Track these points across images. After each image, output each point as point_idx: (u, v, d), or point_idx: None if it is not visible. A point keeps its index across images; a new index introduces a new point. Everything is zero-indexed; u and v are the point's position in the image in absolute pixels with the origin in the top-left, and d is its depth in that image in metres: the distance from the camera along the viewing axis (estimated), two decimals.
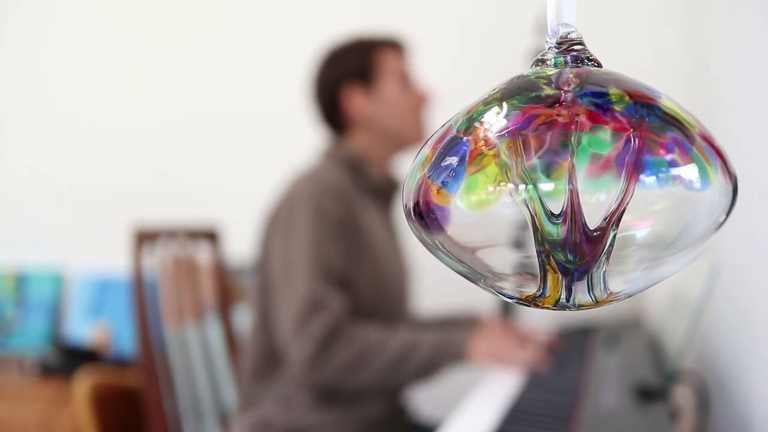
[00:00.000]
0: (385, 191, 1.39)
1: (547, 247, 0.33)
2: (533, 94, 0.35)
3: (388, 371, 1.17)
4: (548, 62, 0.38)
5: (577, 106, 0.33)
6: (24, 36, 2.66)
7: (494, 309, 1.68)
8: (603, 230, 0.33)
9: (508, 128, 0.34)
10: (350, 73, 1.34)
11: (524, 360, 1.14)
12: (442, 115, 0.47)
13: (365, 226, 1.30)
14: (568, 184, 0.32)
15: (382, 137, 1.36)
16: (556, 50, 0.38)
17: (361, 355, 1.17)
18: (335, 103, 1.36)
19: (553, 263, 0.34)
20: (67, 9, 2.61)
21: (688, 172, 0.33)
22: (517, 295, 0.37)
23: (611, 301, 0.36)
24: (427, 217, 0.36)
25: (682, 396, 1.07)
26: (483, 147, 0.34)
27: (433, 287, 1.69)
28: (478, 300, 1.61)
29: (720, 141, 0.35)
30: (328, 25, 1.77)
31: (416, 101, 1.38)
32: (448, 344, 1.17)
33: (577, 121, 0.33)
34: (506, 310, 1.63)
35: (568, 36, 0.38)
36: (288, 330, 1.19)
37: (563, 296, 0.35)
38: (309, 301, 1.18)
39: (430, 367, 1.17)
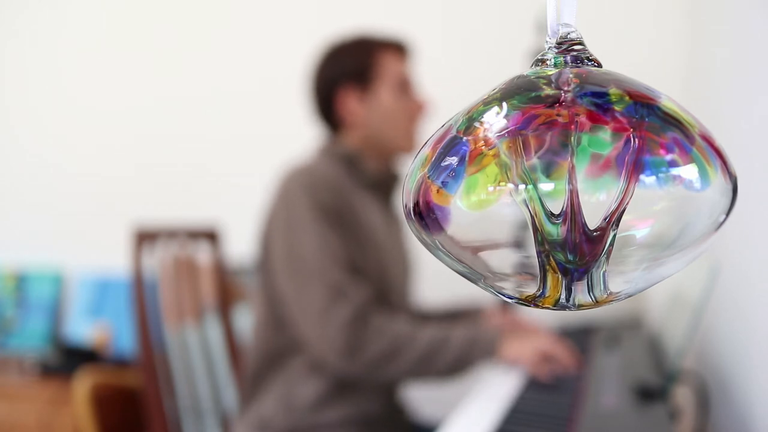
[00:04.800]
0: (383, 184, 1.39)
1: (547, 247, 0.33)
2: (533, 94, 0.35)
3: (419, 365, 1.16)
4: (548, 62, 0.38)
5: (577, 106, 0.33)
6: (21, 39, 2.66)
7: (494, 303, 1.68)
8: (603, 230, 0.33)
9: (508, 128, 0.34)
10: (348, 73, 1.34)
11: (555, 368, 1.12)
12: (441, 115, 0.47)
13: (363, 216, 1.30)
14: (568, 184, 0.32)
15: (374, 141, 1.36)
16: (556, 50, 0.38)
17: (393, 348, 1.16)
18: (330, 102, 1.36)
19: (553, 263, 0.34)
20: (66, 10, 2.61)
21: (688, 172, 0.33)
22: (517, 295, 0.37)
23: (611, 301, 0.36)
24: (427, 217, 0.36)
25: (682, 396, 1.07)
26: (483, 147, 0.34)
27: (435, 280, 1.69)
28: (479, 293, 1.62)
29: (720, 141, 0.35)
30: (328, 23, 1.77)
31: (412, 109, 1.36)
32: (479, 340, 1.17)
33: (577, 121, 0.33)
34: (506, 308, 1.63)
35: (568, 36, 0.38)
36: (312, 323, 1.19)
37: (563, 296, 0.35)
38: (329, 291, 1.18)
39: (460, 362, 1.17)
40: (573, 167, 0.32)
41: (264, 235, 1.30)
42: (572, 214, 0.32)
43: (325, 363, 1.21)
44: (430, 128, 1.39)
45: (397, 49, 1.36)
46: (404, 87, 1.35)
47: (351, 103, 1.34)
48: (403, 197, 0.38)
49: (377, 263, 1.30)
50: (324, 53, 1.38)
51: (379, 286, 1.29)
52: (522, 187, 0.33)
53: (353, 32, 1.38)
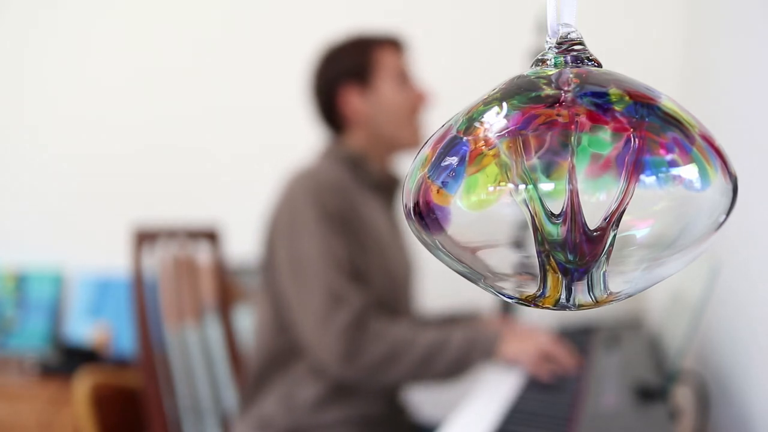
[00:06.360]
0: (386, 186, 1.39)
1: (547, 247, 0.33)
2: (533, 94, 0.35)
3: (419, 368, 1.17)
4: (548, 62, 0.37)
5: (577, 106, 0.33)
6: (24, 36, 2.66)
7: (495, 306, 1.68)
8: (603, 230, 0.33)
9: (508, 128, 0.34)
10: (347, 72, 1.34)
11: (555, 367, 1.12)
12: (441, 115, 0.47)
13: (368, 219, 1.30)
14: (568, 184, 0.32)
15: (378, 138, 1.36)
16: (556, 50, 0.38)
17: (393, 352, 1.17)
18: (332, 102, 1.36)
19: (553, 263, 0.34)
20: (67, 8, 2.61)
21: (688, 172, 0.33)
22: (517, 295, 0.37)
23: (611, 301, 0.36)
24: (427, 217, 0.36)
25: (682, 396, 1.07)
26: (483, 147, 0.34)
27: (436, 283, 1.69)
28: (481, 296, 1.62)
29: (720, 141, 0.35)
30: (327, 23, 1.77)
31: (413, 101, 1.37)
32: (478, 341, 1.17)
33: (577, 121, 0.33)
34: (506, 308, 1.63)
35: (568, 36, 0.38)
36: (311, 328, 1.19)
37: (563, 296, 0.35)
38: (328, 296, 1.18)
39: (460, 363, 1.17)
40: (573, 167, 0.32)
41: (268, 237, 1.30)
42: (572, 214, 0.32)
43: (325, 368, 1.21)
44: (431, 123, 1.40)
45: (392, 44, 1.37)
46: (403, 79, 1.36)
47: (353, 101, 1.34)
48: (403, 197, 0.38)
49: (381, 266, 1.30)
50: (322, 55, 1.38)
51: (384, 288, 1.29)
52: (522, 187, 0.33)
53: (349, 32, 1.39)
